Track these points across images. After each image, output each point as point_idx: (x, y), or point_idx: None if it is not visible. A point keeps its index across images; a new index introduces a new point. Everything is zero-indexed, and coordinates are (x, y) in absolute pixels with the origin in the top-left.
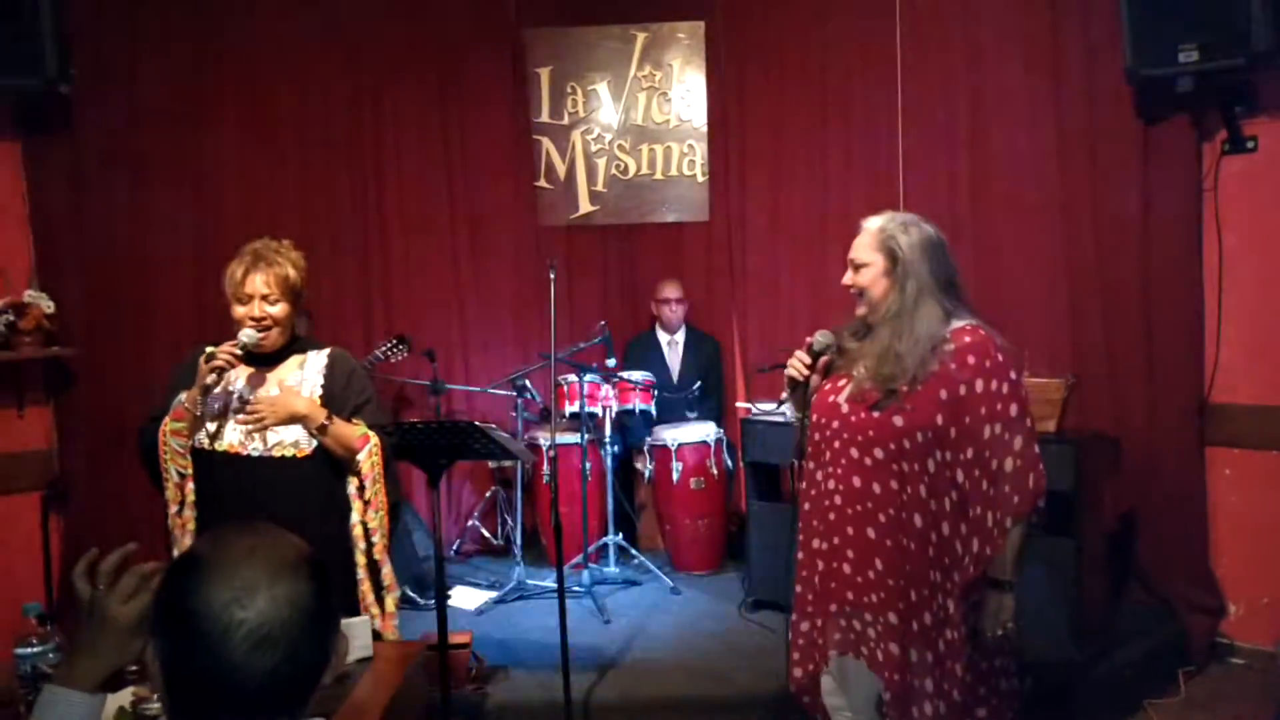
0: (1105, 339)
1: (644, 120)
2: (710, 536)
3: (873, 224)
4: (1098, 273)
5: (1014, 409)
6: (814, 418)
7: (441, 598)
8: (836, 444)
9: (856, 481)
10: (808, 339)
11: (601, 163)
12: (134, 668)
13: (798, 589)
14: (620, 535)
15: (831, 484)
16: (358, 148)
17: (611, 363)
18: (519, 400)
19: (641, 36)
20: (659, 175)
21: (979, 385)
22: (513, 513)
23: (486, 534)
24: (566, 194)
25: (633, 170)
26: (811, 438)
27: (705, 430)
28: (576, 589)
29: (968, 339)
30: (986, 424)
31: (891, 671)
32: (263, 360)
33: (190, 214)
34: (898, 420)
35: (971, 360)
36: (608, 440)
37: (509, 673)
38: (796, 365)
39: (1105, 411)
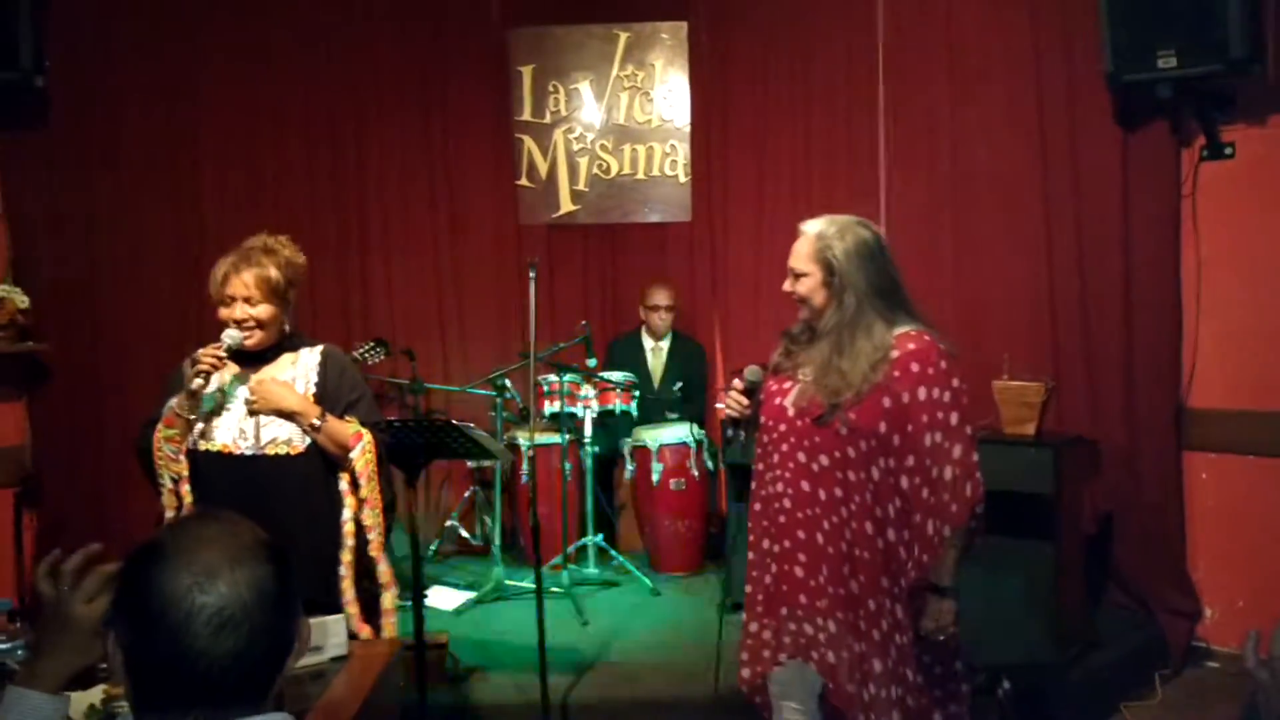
0: (1084, 343)
1: (626, 120)
2: (690, 538)
3: (810, 229)
4: (1077, 277)
5: (954, 417)
6: (762, 419)
7: (419, 598)
8: (785, 447)
9: (805, 486)
10: (735, 380)
11: (583, 162)
12: (104, 665)
13: (748, 589)
14: (600, 536)
15: (780, 486)
16: (339, 145)
17: (592, 363)
18: (498, 400)
19: (624, 36)
20: (641, 175)
21: (921, 393)
22: (491, 513)
23: (465, 534)
24: (548, 193)
25: (614, 170)
26: (760, 439)
27: (686, 431)
28: (555, 590)
29: (911, 345)
30: (927, 432)
31: (830, 678)
32: (254, 359)
33: (167, 209)
34: (842, 429)
35: (914, 368)
36: (587, 441)
37: (486, 673)
38: (734, 405)
39: (1084, 415)
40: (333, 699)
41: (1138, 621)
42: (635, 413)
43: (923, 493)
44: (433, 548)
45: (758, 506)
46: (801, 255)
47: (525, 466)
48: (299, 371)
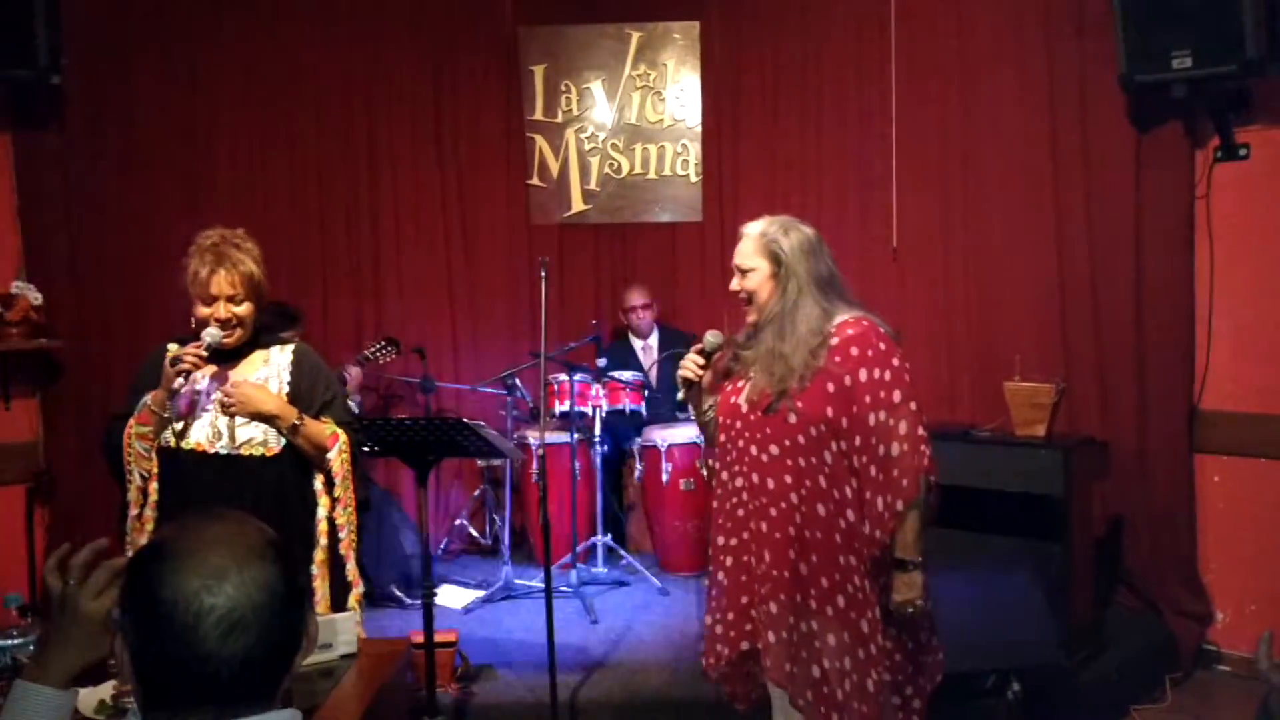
0: (1096, 344)
1: (638, 119)
2: (699, 538)
3: (753, 229)
4: (1090, 278)
5: (897, 395)
6: (720, 419)
7: (428, 596)
8: (740, 442)
9: (755, 478)
10: (696, 344)
11: (595, 161)
12: (113, 661)
13: (708, 586)
14: (609, 536)
15: (739, 481)
16: (351, 143)
17: (602, 362)
18: (509, 399)
19: (636, 35)
20: (652, 175)
21: (862, 375)
22: (501, 512)
23: (474, 533)
24: (559, 192)
25: (626, 169)
26: (718, 438)
27: (695, 431)
28: (564, 589)
29: (850, 331)
30: (872, 412)
31: (765, 656)
32: (226, 356)
33: (180, 207)
34: (791, 417)
35: (854, 351)
36: (597, 440)
37: (495, 672)
38: (690, 366)
39: (1095, 417)
40: (341, 696)
41: (1148, 624)
42: (644, 412)
43: (871, 470)
44: (442, 546)
45: (715, 503)
46: (747, 252)
47: (535, 465)
48: (271, 371)
